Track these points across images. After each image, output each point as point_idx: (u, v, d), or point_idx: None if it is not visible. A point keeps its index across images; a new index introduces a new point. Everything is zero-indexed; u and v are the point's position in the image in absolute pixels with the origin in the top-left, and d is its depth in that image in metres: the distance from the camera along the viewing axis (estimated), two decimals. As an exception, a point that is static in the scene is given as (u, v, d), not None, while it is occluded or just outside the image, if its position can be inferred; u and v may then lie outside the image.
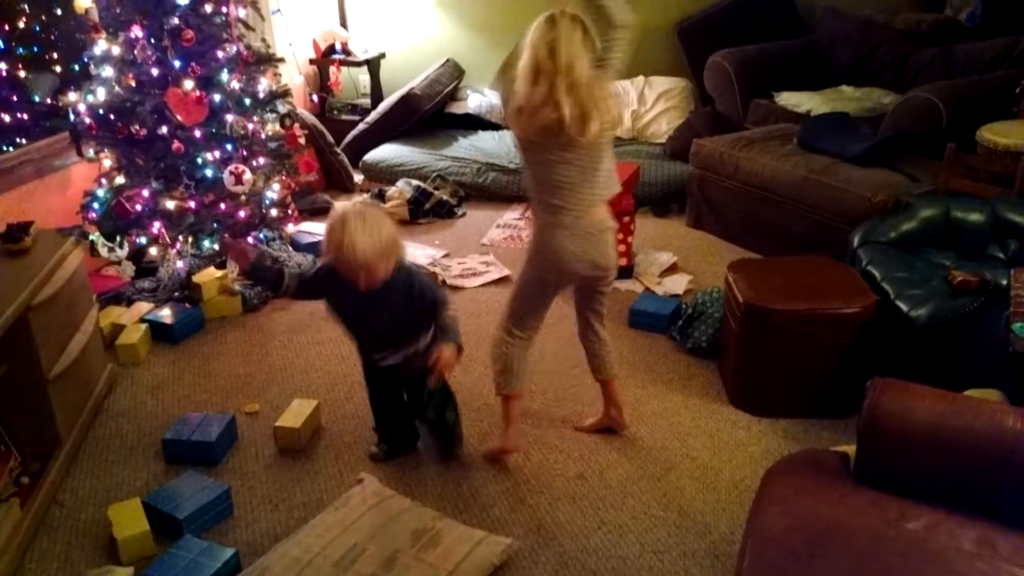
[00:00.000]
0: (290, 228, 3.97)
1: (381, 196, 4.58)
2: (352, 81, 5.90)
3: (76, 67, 3.64)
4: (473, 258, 4.04)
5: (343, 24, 5.76)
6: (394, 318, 2.30)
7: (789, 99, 4.56)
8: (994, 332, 2.27)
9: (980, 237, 2.99)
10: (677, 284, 3.68)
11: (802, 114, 4.38)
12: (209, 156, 3.38)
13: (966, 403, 1.77)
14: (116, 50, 3.28)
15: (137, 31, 3.22)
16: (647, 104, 5.19)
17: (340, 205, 2.21)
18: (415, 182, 4.66)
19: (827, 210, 3.56)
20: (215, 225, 3.47)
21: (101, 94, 3.30)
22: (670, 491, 2.44)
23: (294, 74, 5.34)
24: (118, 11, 3.25)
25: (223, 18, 3.45)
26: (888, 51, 4.66)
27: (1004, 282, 2.46)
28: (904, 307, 2.61)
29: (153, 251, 3.55)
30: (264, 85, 3.63)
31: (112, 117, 3.31)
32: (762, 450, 2.62)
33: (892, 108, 4.00)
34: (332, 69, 5.52)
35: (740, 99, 4.67)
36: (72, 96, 3.34)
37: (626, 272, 3.74)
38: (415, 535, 2.15)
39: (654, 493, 2.43)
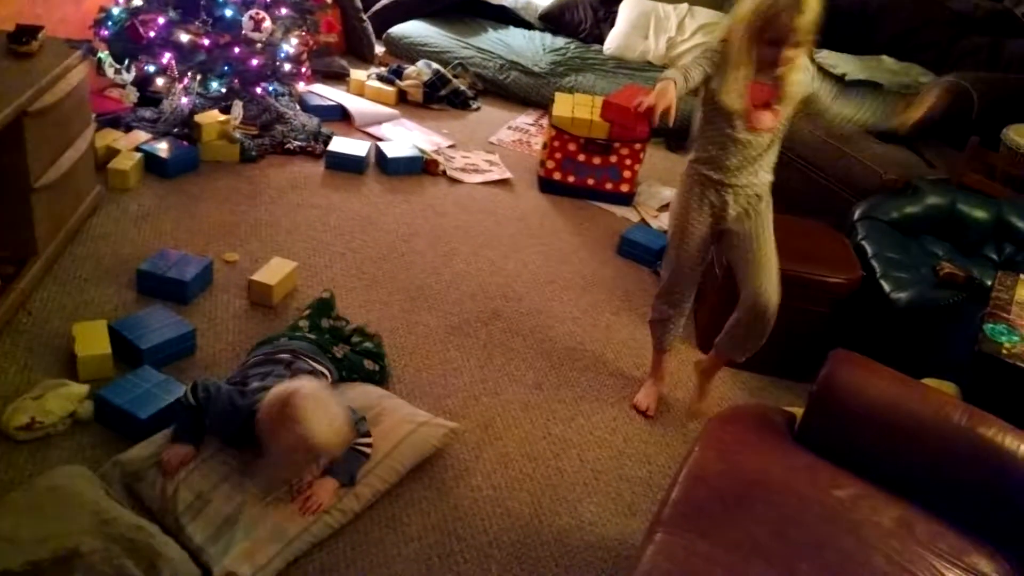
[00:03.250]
0: (301, 86, 3.91)
1: (398, 73, 4.49)
2: (392, -52, 5.70)
3: None
4: (478, 154, 4.00)
5: None
6: None
7: (827, 58, 4.45)
8: (966, 329, 2.30)
9: (980, 235, 2.98)
10: (673, 221, 3.67)
11: (837, 76, 4.29)
12: (232, -4, 3.29)
13: (919, 390, 1.80)
14: None
15: None
16: (685, 34, 5.05)
17: (282, 388, 1.87)
18: (435, 65, 4.56)
19: (837, 177, 3.52)
20: (226, 68, 3.41)
21: (132, -93, 3.19)
22: (620, 417, 2.50)
23: (334, -72, 5.15)
24: None
25: None
26: (937, 31, 4.53)
27: (989, 283, 2.48)
28: (887, 287, 2.62)
29: (160, 82, 3.49)
30: (300, -67, 3.52)
31: (139, -66, 3.21)
32: (719, 397, 2.67)
33: (926, 88, 3.92)
34: (374, -69, 5.32)
35: (779, 48, 4.56)
36: (102, -96, 3.23)
37: (626, 199, 3.73)
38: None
39: (604, 416, 2.49)
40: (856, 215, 3.04)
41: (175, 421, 2.01)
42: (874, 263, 2.73)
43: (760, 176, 2.28)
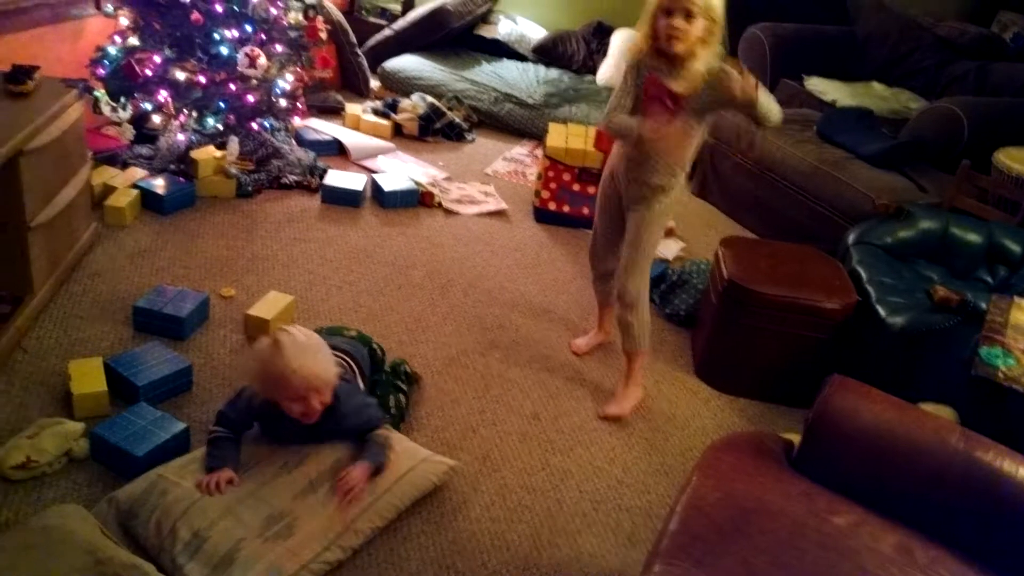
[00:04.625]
0: (296, 122, 3.94)
1: (393, 107, 4.53)
2: (386, -16, 5.78)
3: (107, -83, 3.54)
4: (474, 185, 4.02)
5: (387, -76, 5.61)
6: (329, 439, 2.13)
7: (818, 85, 4.50)
8: (962, 352, 2.30)
9: (973, 258, 3.00)
10: (669, 249, 3.69)
11: (827, 103, 4.34)
12: (227, 33, 3.32)
13: (915, 415, 1.80)
14: (150, -93, 3.19)
15: None
16: (676, 64, 5.11)
17: (262, 339, 1.99)
18: (430, 99, 4.60)
19: (830, 203, 3.55)
20: (222, 104, 3.44)
21: (129, -51, 3.23)
22: (619, 447, 2.49)
23: (329, -34, 5.23)
24: None
25: None
26: (925, 56, 4.59)
27: (984, 306, 2.48)
28: (882, 312, 2.62)
29: (156, 119, 3.51)
30: (294, -29, 3.56)
31: (136, -25, 3.25)
32: (716, 424, 2.66)
33: (917, 114, 3.96)
34: (368, -32, 5.40)
35: (770, 76, 4.61)
36: (100, -54, 3.27)
37: (621, 227, 3.75)
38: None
39: (603, 446, 2.48)
40: (850, 240, 3.05)
41: (207, 454, 2.02)
42: (869, 288, 2.74)
43: (653, 176, 2.40)
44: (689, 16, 2.15)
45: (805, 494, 1.71)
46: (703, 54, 2.20)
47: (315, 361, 1.96)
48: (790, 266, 2.82)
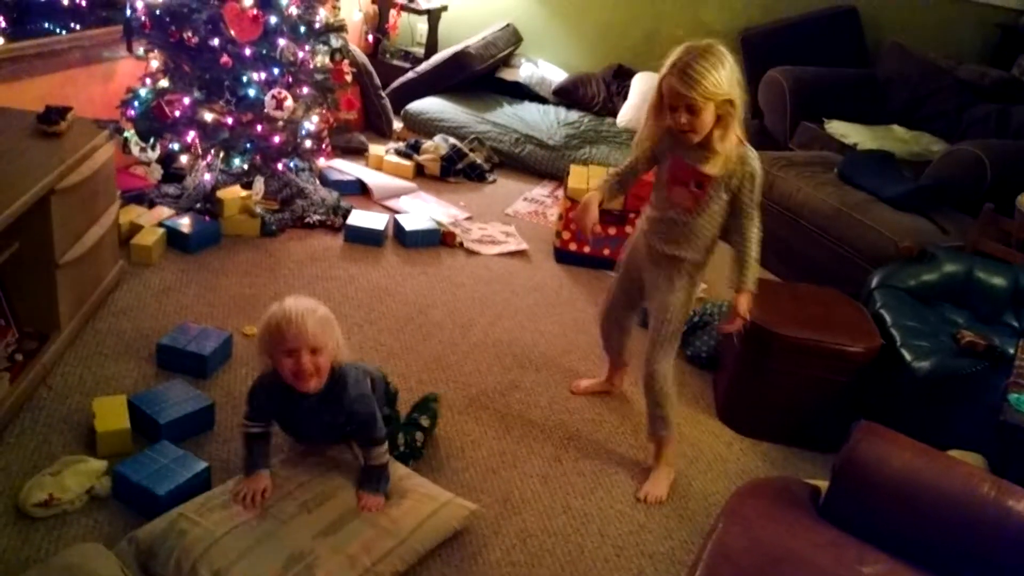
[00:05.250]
0: (321, 162, 3.99)
1: (416, 148, 4.58)
2: (410, 28, 5.88)
3: (141, -37, 3.64)
4: (495, 226, 4.04)
5: (411, -31, 5.73)
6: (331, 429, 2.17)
7: (838, 128, 4.51)
8: (990, 398, 2.27)
9: (998, 302, 2.97)
10: (689, 290, 3.67)
11: (848, 146, 4.34)
12: (255, 76, 3.38)
13: (945, 462, 1.77)
14: (182, -47, 3.28)
15: (206, -61, 3.22)
16: (696, 106, 5.14)
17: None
18: (452, 140, 4.65)
19: (852, 246, 3.53)
20: (248, 145, 3.49)
21: (161, -6, 3.31)
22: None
23: (354, 10, 5.33)
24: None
25: (292, -59, 3.44)
26: (946, 99, 4.60)
27: (1011, 351, 2.45)
28: (907, 356, 2.60)
29: (183, 159, 3.57)
30: (322, 16, 3.62)
31: (167, 19, 3.31)
32: (739, 468, 2.63)
33: (939, 157, 3.96)
34: (392, 12, 5.50)
35: (790, 119, 4.63)
36: (132, -10, 3.35)
37: (642, 269, 3.75)
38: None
39: (624, 489, 2.45)
40: (874, 283, 3.04)
41: (245, 454, 2.08)
42: (893, 332, 2.72)
43: (677, 249, 2.34)
44: (694, 111, 2.09)
45: (833, 543, 1.68)
46: (726, 135, 2.15)
47: (314, 319, 1.96)
48: (813, 309, 2.81)
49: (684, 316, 2.42)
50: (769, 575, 1.56)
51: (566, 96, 5.40)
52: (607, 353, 2.81)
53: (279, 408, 2.10)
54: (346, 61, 3.83)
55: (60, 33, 3.41)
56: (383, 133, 4.98)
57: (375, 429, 2.11)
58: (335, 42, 3.80)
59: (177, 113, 3.33)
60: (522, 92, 5.41)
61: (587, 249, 3.75)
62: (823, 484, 1.89)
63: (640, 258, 2.46)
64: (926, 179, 3.83)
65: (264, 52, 3.40)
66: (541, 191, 4.60)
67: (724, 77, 2.08)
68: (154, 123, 3.31)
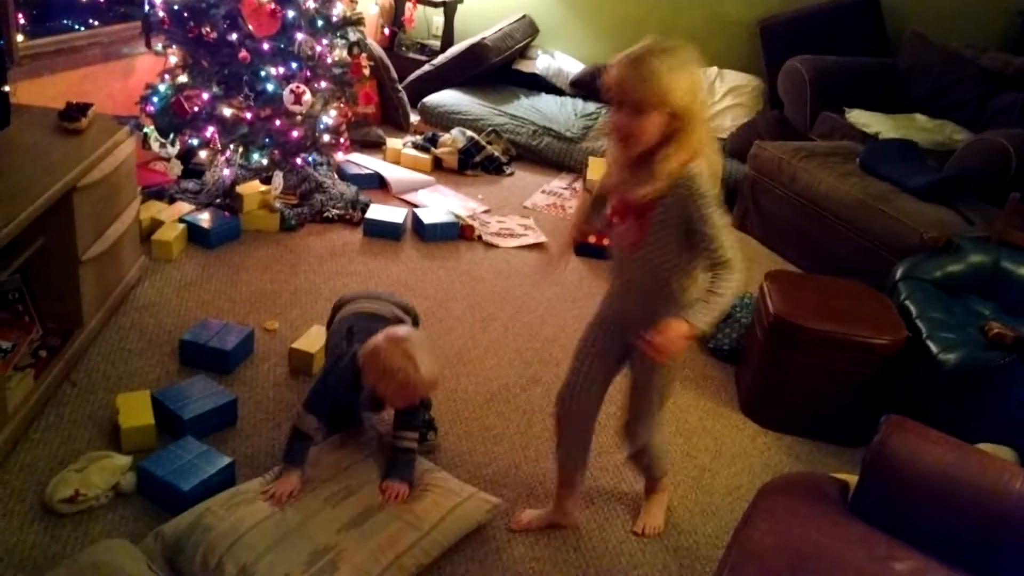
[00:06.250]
0: (339, 156, 3.99)
1: (433, 141, 4.57)
2: (426, 20, 5.86)
3: (159, -42, 3.64)
4: (513, 219, 4.03)
5: (427, -38, 5.71)
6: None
7: (860, 118, 4.46)
8: (1019, 391, 2.24)
9: (1026, 293, 2.93)
10: (710, 282, 3.64)
11: (870, 135, 4.29)
12: (273, 71, 3.38)
13: (976, 456, 1.74)
14: (200, -52, 3.27)
15: (223, -67, 3.21)
16: (715, 96, 5.10)
17: (386, 336, 2.06)
18: (469, 133, 4.64)
19: (876, 237, 3.49)
20: (267, 140, 3.49)
21: (179, -10, 3.31)
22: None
23: (370, 3, 5.32)
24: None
25: (309, -66, 3.43)
26: (969, 88, 4.53)
27: (1041, 343, 2.42)
28: (934, 348, 2.57)
29: (203, 154, 3.58)
30: (339, 9, 3.61)
31: (186, 15, 3.31)
32: (763, 463, 2.61)
33: (963, 146, 3.90)
34: (408, 5, 5.47)
35: (810, 108, 4.58)
36: (150, -14, 3.35)
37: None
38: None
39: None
40: (898, 275, 3.00)
41: (287, 448, 2.11)
42: (919, 323, 2.68)
43: (649, 303, 1.91)
44: (638, 111, 1.68)
45: (864, 539, 1.66)
46: (672, 157, 1.70)
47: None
48: (838, 301, 2.78)
49: (672, 380, 2.08)
50: (799, 573, 1.55)
51: (583, 87, 5.36)
52: (561, 466, 2.17)
53: (346, 397, 2.20)
54: (364, 55, 3.82)
55: (80, 30, 3.43)
56: (400, 127, 4.97)
57: (417, 417, 2.24)
58: (352, 36, 3.79)
59: (196, 108, 3.33)
60: (539, 84, 5.38)
61: (607, 241, 3.71)
62: (851, 479, 1.87)
63: (613, 324, 2.09)
64: (950, 169, 3.78)
65: (282, 47, 3.39)
66: (559, 183, 4.58)
67: (683, 84, 1.66)
68: (173, 119, 3.32)
